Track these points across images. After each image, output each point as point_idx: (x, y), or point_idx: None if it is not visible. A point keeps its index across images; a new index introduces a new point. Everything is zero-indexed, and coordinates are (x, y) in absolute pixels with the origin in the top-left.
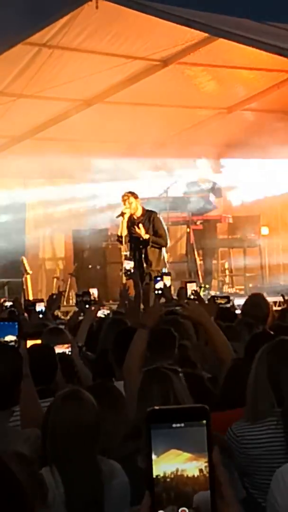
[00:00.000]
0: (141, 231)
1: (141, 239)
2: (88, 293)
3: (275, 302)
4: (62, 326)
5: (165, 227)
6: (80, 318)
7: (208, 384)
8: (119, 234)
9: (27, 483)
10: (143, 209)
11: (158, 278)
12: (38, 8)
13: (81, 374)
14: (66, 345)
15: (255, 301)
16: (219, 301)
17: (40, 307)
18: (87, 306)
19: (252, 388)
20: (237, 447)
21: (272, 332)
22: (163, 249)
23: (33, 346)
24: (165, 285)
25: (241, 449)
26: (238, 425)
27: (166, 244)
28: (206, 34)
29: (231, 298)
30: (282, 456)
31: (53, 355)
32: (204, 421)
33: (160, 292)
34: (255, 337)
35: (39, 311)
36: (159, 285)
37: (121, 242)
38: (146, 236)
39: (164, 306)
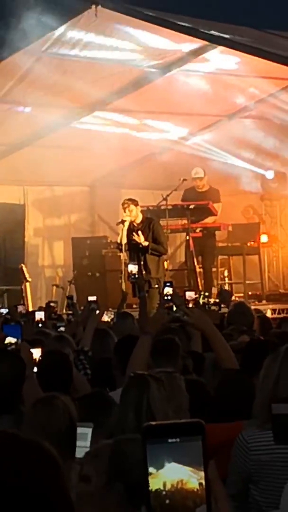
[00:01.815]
0: (140, 238)
1: (140, 246)
2: (96, 302)
3: (274, 310)
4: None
5: (165, 235)
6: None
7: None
8: (118, 241)
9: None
10: (143, 216)
11: (168, 284)
12: (38, 16)
13: (76, 382)
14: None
15: (240, 310)
16: (213, 308)
17: (39, 315)
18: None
19: (263, 397)
20: (246, 453)
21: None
22: (163, 257)
23: (47, 352)
24: (174, 291)
25: (251, 455)
26: (248, 431)
27: (166, 251)
28: (206, 42)
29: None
30: None
31: (68, 361)
32: (200, 436)
33: (169, 298)
34: (252, 345)
35: (38, 320)
36: (167, 290)
37: (120, 250)
38: (146, 243)
39: (167, 313)
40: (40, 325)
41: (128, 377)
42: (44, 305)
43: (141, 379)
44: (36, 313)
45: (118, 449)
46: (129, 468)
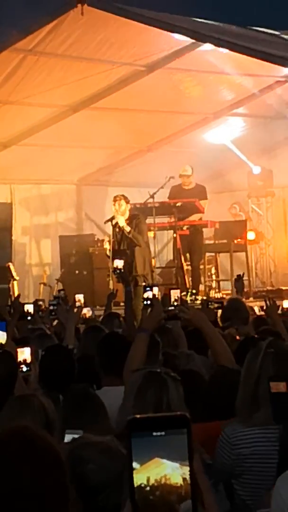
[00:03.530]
0: (124, 224)
1: (124, 232)
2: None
3: (261, 307)
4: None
5: (146, 231)
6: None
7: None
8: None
9: None
10: (130, 213)
11: (148, 288)
12: (23, 15)
13: None
14: None
15: (235, 306)
16: (212, 306)
17: (28, 307)
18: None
19: (245, 394)
20: (229, 448)
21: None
22: (149, 254)
23: (50, 347)
24: (154, 295)
25: (233, 449)
26: (230, 427)
27: (142, 244)
28: (192, 40)
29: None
30: (274, 456)
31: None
32: (185, 429)
33: (148, 302)
34: (244, 344)
35: (27, 312)
36: (147, 294)
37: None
38: (128, 229)
39: (164, 311)
40: (29, 317)
41: (144, 375)
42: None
43: (159, 377)
44: (25, 305)
45: (75, 453)
46: (83, 474)
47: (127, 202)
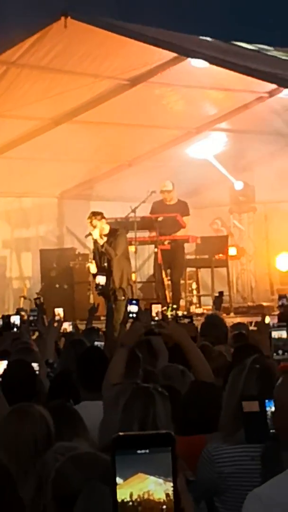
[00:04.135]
0: (97, 237)
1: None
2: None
3: (250, 322)
4: None
5: (124, 244)
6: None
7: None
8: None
9: None
10: (110, 227)
11: (134, 302)
12: (7, 27)
13: (42, 394)
14: (33, 364)
15: (213, 321)
16: (182, 321)
17: (14, 318)
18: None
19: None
20: (211, 465)
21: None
22: (128, 267)
23: (12, 362)
24: (139, 308)
25: (215, 467)
26: (213, 444)
27: (114, 256)
28: (175, 54)
29: (194, 317)
30: (257, 474)
31: (32, 371)
32: (169, 448)
33: (134, 316)
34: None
35: (13, 324)
36: (133, 308)
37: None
38: (101, 242)
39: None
40: (15, 329)
41: (132, 389)
42: None
43: (146, 392)
44: (11, 317)
45: (60, 472)
46: (66, 492)
47: (101, 218)
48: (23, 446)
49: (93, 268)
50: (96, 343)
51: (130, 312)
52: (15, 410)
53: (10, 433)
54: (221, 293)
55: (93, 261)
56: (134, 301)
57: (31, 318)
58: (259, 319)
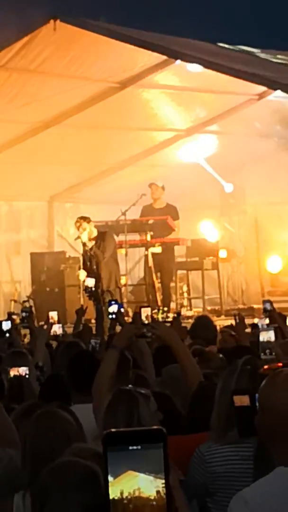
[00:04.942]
0: (85, 240)
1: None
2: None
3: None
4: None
5: (112, 247)
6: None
7: (177, 404)
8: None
9: None
10: (98, 231)
11: (113, 302)
12: None
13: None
14: (22, 368)
15: (203, 323)
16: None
17: (5, 325)
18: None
19: (220, 411)
20: (203, 465)
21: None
22: (116, 270)
23: None
24: (119, 309)
25: (207, 467)
26: (205, 444)
27: (102, 258)
28: (164, 57)
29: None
30: (248, 474)
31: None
32: (161, 443)
33: (114, 316)
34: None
35: (5, 330)
36: (113, 308)
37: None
38: (90, 245)
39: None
40: (7, 334)
41: (115, 392)
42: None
43: (129, 395)
44: (3, 323)
45: (43, 481)
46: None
47: (88, 221)
48: (57, 445)
49: (82, 275)
50: (92, 341)
51: (109, 313)
52: (42, 414)
53: (44, 442)
54: (178, 313)
55: (83, 269)
56: (113, 302)
57: (23, 314)
58: (250, 321)
